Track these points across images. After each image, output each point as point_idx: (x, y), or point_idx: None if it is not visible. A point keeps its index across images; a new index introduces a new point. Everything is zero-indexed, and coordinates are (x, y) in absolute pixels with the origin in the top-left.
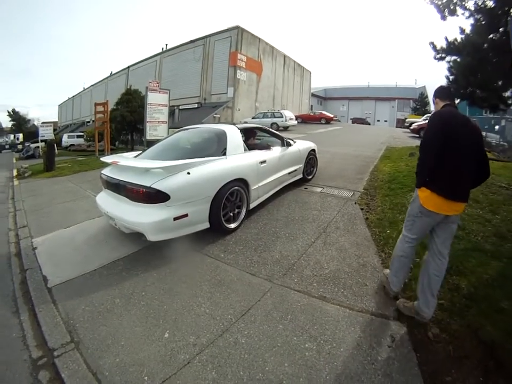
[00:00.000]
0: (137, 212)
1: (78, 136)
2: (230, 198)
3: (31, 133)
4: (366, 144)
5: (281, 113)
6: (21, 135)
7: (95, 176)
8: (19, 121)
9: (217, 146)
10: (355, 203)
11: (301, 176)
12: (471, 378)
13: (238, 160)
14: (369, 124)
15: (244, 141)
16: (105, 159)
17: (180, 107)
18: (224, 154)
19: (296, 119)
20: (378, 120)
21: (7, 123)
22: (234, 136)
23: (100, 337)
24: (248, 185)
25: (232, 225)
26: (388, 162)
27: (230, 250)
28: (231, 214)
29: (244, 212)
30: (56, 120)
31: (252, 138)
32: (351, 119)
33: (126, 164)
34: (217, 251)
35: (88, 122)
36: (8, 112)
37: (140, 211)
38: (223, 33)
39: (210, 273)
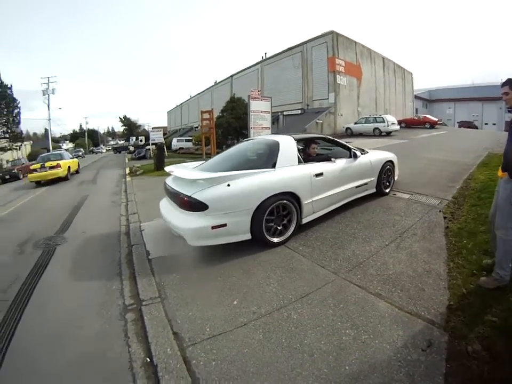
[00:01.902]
0: (181, 218)
1: (187, 140)
2: (276, 212)
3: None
4: (466, 150)
5: (383, 118)
6: (143, 138)
7: None
8: (130, 126)
9: (268, 158)
10: (439, 211)
11: (373, 190)
12: None
13: (288, 172)
14: (477, 128)
15: (300, 153)
16: (167, 168)
17: (284, 113)
18: (274, 166)
19: (399, 124)
20: (486, 123)
21: (119, 128)
22: (287, 148)
23: (181, 297)
24: (299, 200)
25: (276, 239)
26: (484, 170)
27: (308, 245)
28: (278, 228)
29: (292, 227)
30: (166, 125)
31: (312, 149)
32: (457, 122)
33: (177, 174)
34: (297, 244)
35: (196, 127)
36: (120, 118)
37: (183, 217)
38: (319, 39)
39: (285, 261)
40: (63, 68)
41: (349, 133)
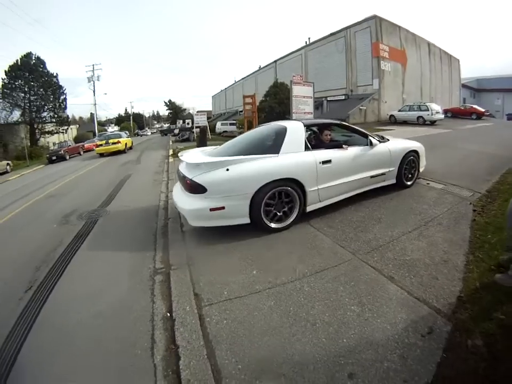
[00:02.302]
0: (185, 199)
1: (231, 124)
2: (278, 197)
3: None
4: (510, 144)
5: (427, 106)
6: (190, 121)
7: None
8: (175, 110)
9: (273, 143)
10: (470, 203)
11: (393, 181)
12: None
13: (291, 159)
14: None
15: (312, 139)
16: (180, 154)
17: (328, 98)
18: (278, 152)
19: (445, 113)
20: None
21: (164, 112)
22: (294, 134)
23: (207, 264)
24: (303, 187)
25: (274, 225)
26: None
27: (332, 226)
28: (278, 214)
29: (294, 214)
30: (210, 109)
31: (325, 135)
32: (506, 115)
33: (184, 159)
34: (322, 225)
35: (241, 111)
36: (165, 102)
37: (186, 199)
38: (362, 24)
39: (308, 240)
40: (109, 55)
41: (393, 121)
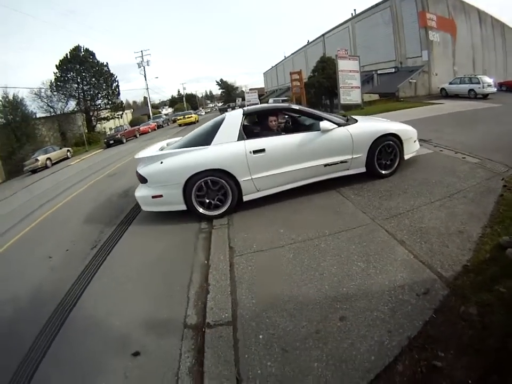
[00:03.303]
0: (138, 187)
1: (283, 101)
2: (208, 187)
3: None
4: None
5: (478, 79)
6: (240, 99)
7: None
8: (227, 88)
9: (209, 135)
10: (502, 179)
11: (362, 169)
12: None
13: (220, 150)
14: None
15: (250, 127)
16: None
17: (378, 72)
18: (210, 143)
19: (500, 86)
20: None
21: (217, 91)
22: (229, 124)
23: (243, 225)
24: (234, 177)
25: (207, 212)
26: None
27: (359, 194)
28: (212, 202)
29: (228, 202)
30: (263, 86)
31: (270, 122)
32: None
33: (136, 156)
34: (350, 193)
35: None
36: (217, 81)
37: (138, 187)
38: None
39: (334, 205)
40: (158, 38)
41: (444, 94)
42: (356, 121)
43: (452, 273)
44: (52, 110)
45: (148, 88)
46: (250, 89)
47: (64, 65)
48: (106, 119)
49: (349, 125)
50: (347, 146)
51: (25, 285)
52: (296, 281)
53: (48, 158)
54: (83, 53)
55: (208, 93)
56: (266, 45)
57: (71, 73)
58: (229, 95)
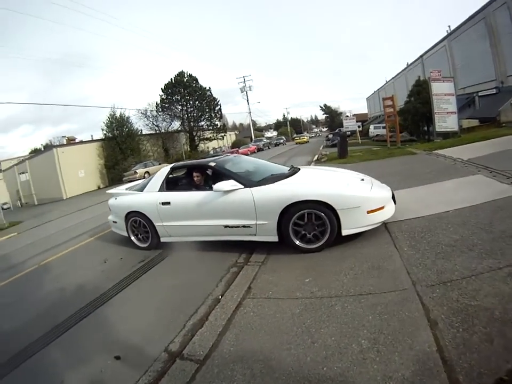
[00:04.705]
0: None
1: (383, 127)
2: (138, 224)
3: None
4: None
5: None
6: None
7: (376, 165)
8: (331, 113)
9: (145, 184)
10: None
11: (274, 238)
12: None
13: (143, 197)
14: None
15: (178, 179)
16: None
17: (479, 93)
18: (143, 190)
19: None
20: None
21: (321, 116)
22: (157, 176)
23: (274, 266)
24: (150, 220)
25: (136, 242)
26: None
27: (415, 247)
28: (140, 235)
29: (149, 240)
30: (366, 112)
31: (195, 177)
32: None
33: (109, 191)
34: (405, 244)
35: None
36: (321, 106)
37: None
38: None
39: (379, 258)
40: (262, 64)
41: None
42: (293, 174)
43: None
44: (156, 128)
45: (250, 112)
46: (346, 116)
47: (169, 89)
48: (209, 139)
49: (260, 186)
50: (248, 211)
51: None
52: (283, 342)
53: (147, 172)
54: (186, 78)
55: (314, 118)
56: (370, 70)
57: (176, 96)
58: (333, 120)
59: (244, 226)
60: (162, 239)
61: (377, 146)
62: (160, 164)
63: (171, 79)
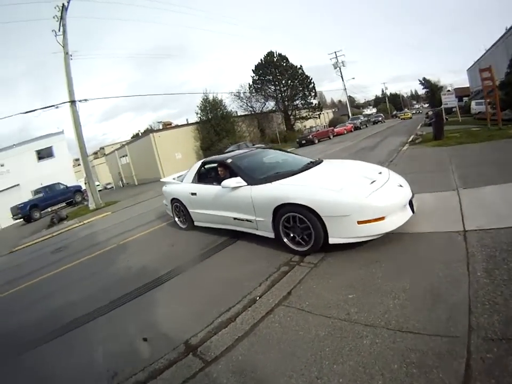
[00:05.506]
0: None
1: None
2: (177, 208)
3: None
4: None
5: None
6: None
7: (470, 152)
8: (432, 88)
9: (185, 175)
10: None
11: (270, 235)
12: None
13: (181, 186)
14: None
15: (207, 173)
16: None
17: None
18: (182, 181)
19: None
20: None
21: (420, 91)
22: (192, 169)
23: (325, 272)
24: (185, 206)
25: (181, 225)
26: None
27: (492, 274)
28: (182, 219)
29: (186, 220)
30: (468, 85)
31: (220, 171)
32: None
33: (161, 179)
34: (481, 266)
35: None
36: (420, 80)
37: None
38: None
39: (448, 284)
40: (362, 38)
41: None
42: (302, 171)
43: None
44: (251, 109)
45: (345, 89)
46: (447, 91)
47: (260, 69)
48: (305, 118)
49: (259, 184)
50: (248, 207)
51: None
52: (289, 368)
53: None
54: (276, 58)
55: (414, 93)
56: (470, 37)
57: (268, 76)
58: (433, 95)
59: (247, 220)
60: (195, 223)
61: (478, 126)
62: (253, 145)
63: (261, 60)
